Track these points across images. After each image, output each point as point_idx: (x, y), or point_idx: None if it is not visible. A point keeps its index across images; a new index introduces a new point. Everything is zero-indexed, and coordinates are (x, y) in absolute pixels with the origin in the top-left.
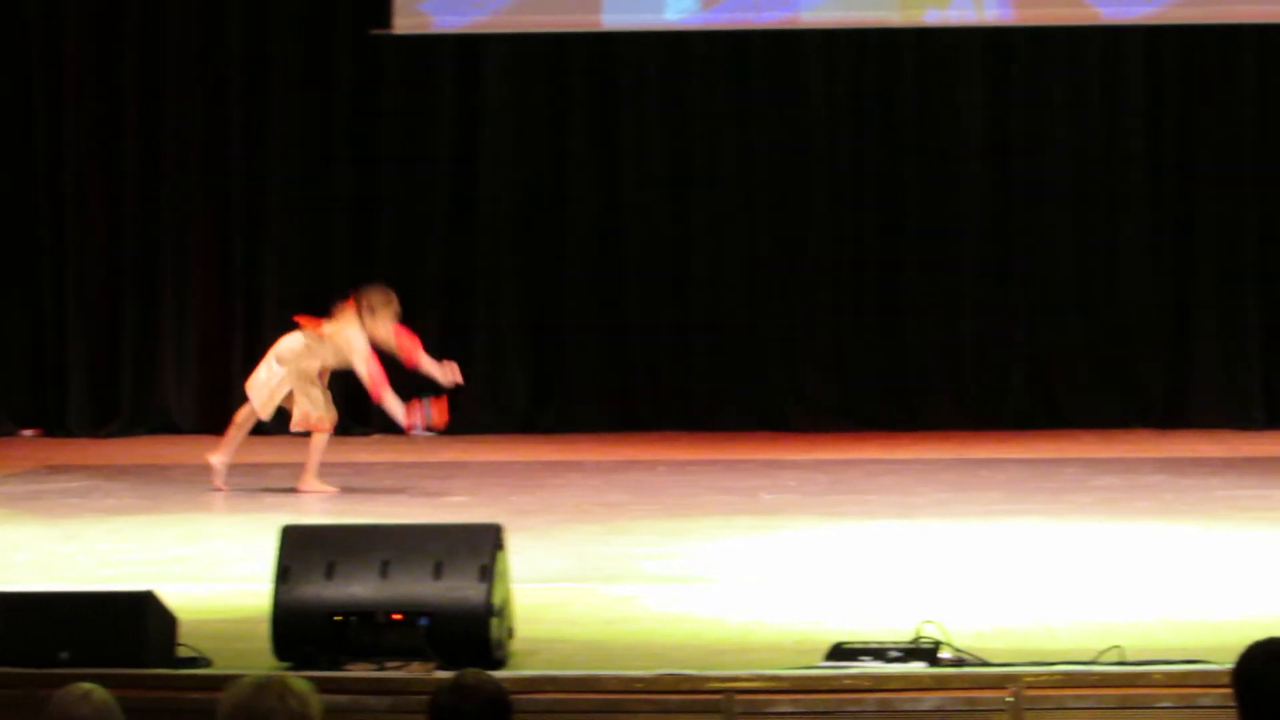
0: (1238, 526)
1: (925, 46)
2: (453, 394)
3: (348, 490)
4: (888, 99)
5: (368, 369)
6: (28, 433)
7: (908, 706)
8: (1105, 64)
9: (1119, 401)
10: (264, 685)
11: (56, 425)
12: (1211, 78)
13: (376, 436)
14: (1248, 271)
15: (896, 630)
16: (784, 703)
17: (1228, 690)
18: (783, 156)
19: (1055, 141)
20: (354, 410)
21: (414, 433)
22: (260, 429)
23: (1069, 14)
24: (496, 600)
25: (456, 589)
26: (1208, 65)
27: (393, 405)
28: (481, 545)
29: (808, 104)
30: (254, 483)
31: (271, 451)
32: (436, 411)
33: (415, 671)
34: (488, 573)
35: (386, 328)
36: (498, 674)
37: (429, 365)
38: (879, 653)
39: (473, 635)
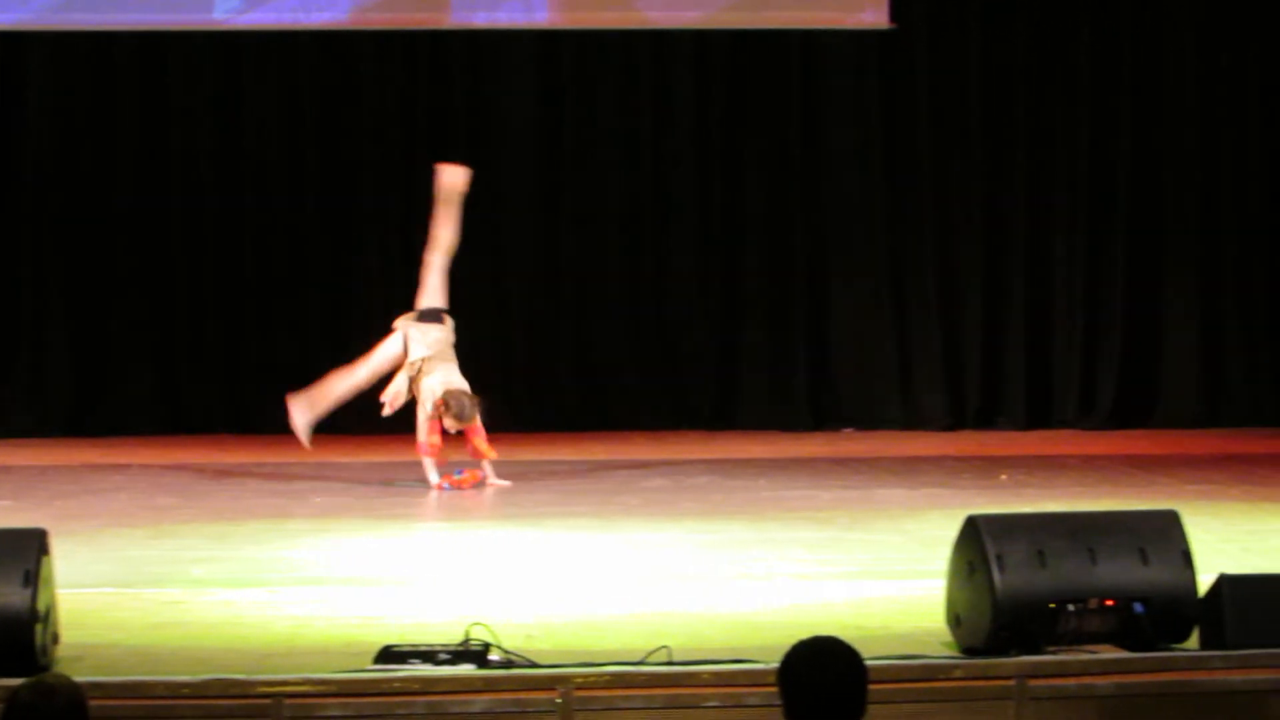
0: (784, 526)
1: (475, 48)
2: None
3: None
4: (438, 103)
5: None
6: None
7: (457, 709)
8: (655, 68)
9: (668, 404)
10: None
11: None
12: (759, 82)
13: None
14: (795, 275)
15: (446, 632)
16: (333, 706)
17: (773, 689)
18: (334, 158)
19: (605, 147)
20: None
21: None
22: None
23: (617, 17)
24: (40, 606)
25: None
26: (755, 70)
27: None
28: (25, 550)
29: (358, 106)
30: None
31: None
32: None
33: None
34: (31, 578)
35: None
36: None
37: None
38: (428, 655)
39: (16, 641)
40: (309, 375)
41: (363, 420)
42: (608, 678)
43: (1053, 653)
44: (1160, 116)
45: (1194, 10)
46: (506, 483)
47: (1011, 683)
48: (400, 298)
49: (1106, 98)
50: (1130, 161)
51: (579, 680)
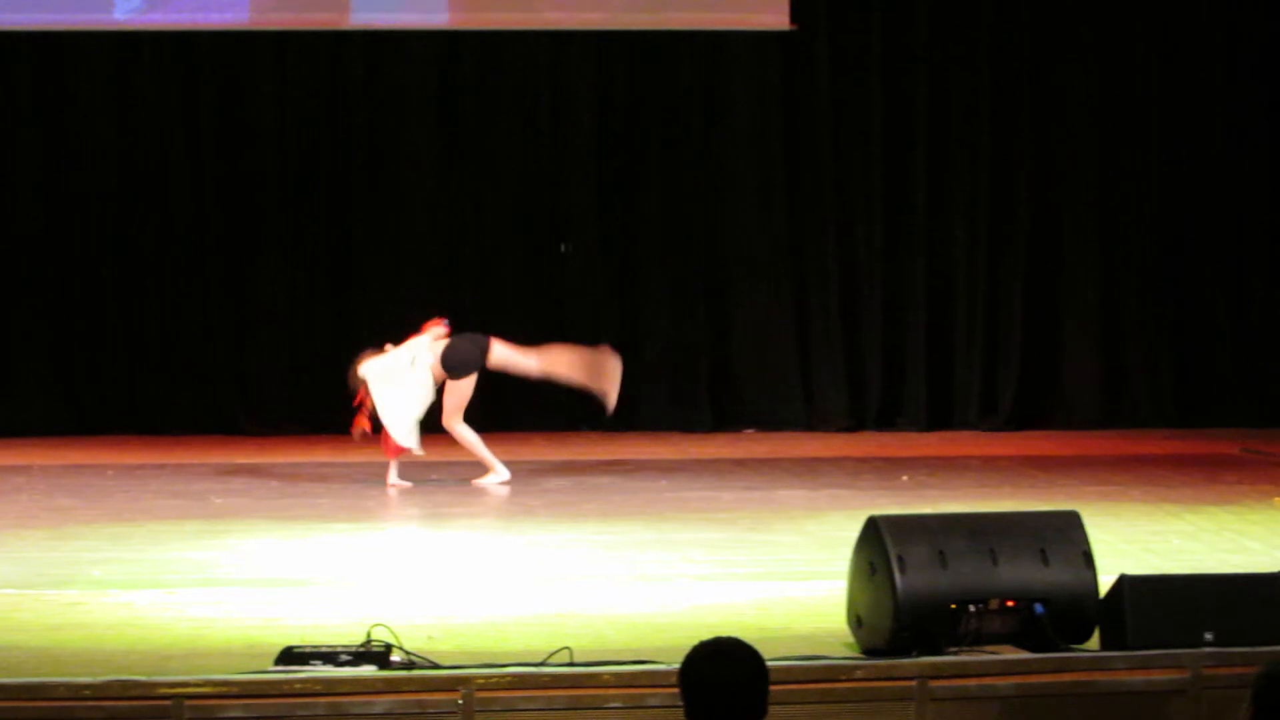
0: (685, 527)
1: (376, 49)
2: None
3: None
4: (338, 104)
5: None
6: None
7: (359, 710)
8: (555, 69)
9: (569, 405)
10: None
11: None
12: (659, 83)
13: None
14: (696, 276)
15: (348, 633)
16: (235, 707)
17: (675, 690)
18: (232, 157)
19: (506, 147)
20: None
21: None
22: None
23: (518, 18)
24: None
25: None
26: (655, 71)
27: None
28: None
29: (259, 106)
30: None
31: None
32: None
33: None
34: None
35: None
36: None
37: None
38: (330, 656)
39: None
40: (209, 376)
41: (260, 422)
42: (509, 679)
43: (954, 653)
44: (1062, 118)
45: (1095, 10)
46: (407, 484)
47: (913, 683)
48: (300, 294)
49: (1008, 101)
50: (1031, 163)
51: (480, 681)
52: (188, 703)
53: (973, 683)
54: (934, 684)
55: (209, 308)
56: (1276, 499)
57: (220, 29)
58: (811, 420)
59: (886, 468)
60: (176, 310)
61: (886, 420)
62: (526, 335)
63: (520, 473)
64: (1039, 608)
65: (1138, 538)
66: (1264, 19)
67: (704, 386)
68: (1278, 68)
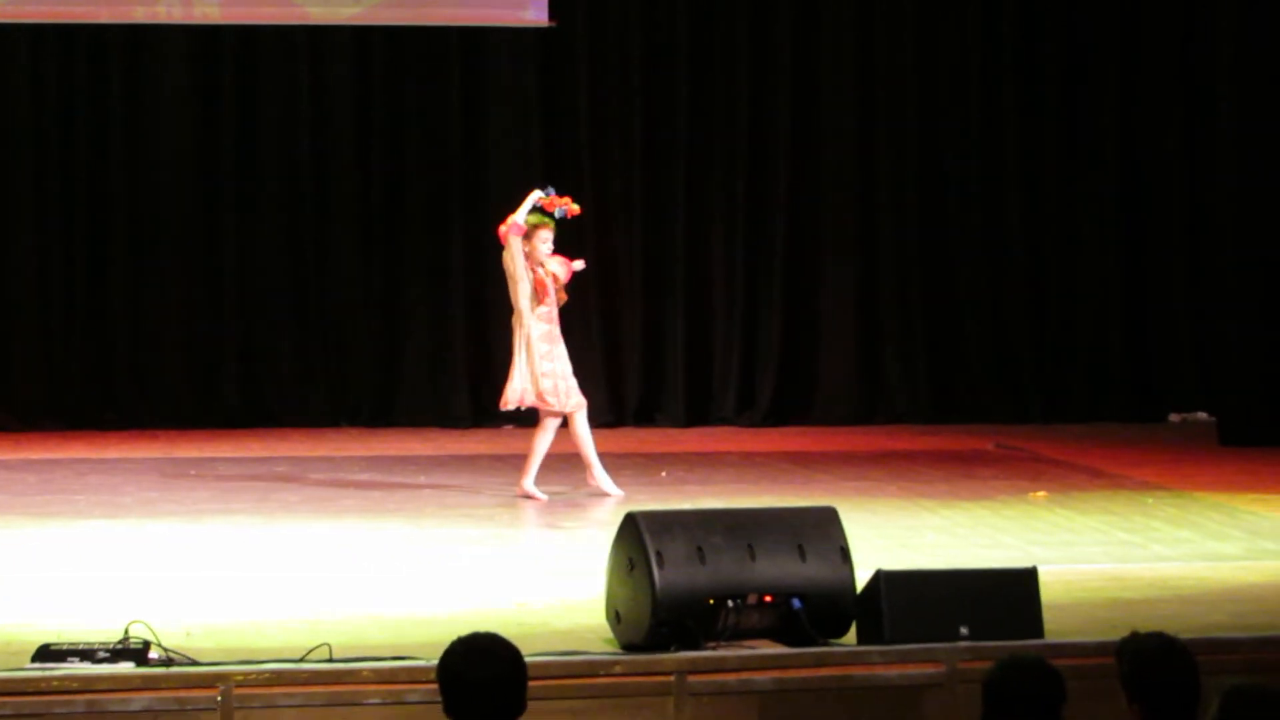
0: (444, 523)
1: (134, 43)
2: None
3: None
4: (96, 98)
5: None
6: None
7: (117, 707)
8: (313, 64)
9: (327, 400)
10: None
11: None
12: (418, 79)
13: None
14: (454, 272)
15: (105, 630)
16: None
17: (434, 686)
18: None
19: (265, 143)
20: None
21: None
22: None
23: (277, 13)
24: None
25: None
26: (414, 66)
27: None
28: None
29: (14, 101)
30: None
31: None
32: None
33: None
34: None
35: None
36: None
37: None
38: (87, 653)
39: None
40: None
41: (16, 417)
42: (268, 675)
43: (712, 649)
44: (820, 113)
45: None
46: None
47: (671, 679)
48: (57, 289)
49: (767, 97)
50: (790, 159)
51: (239, 678)
52: None
53: (731, 677)
54: (692, 679)
55: None
56: (1031, 494)
57: None
58: None
59: (645, 463)
60: None
61: (645, 416)
62: (287, 331)
63: (279, 467)
64: (796, 603)
65: (894, 533)
66: (1022, 3)
67: (463, 383)
68: (1033, 60)
